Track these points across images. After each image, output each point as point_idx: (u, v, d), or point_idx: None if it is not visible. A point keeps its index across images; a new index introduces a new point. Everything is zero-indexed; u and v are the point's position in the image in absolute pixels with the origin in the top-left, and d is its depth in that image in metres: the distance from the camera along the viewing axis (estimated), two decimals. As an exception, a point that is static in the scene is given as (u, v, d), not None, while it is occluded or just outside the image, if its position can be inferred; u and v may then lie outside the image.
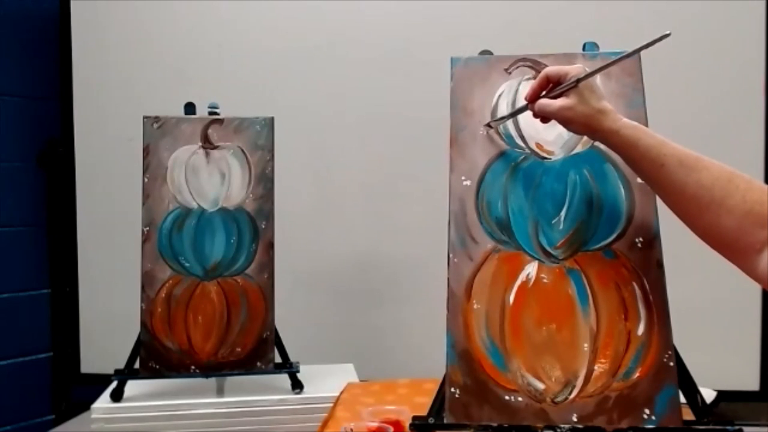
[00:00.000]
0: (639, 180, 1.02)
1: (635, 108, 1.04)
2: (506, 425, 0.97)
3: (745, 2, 1.74)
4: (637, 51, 0.91)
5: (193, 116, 1.49)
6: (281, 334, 1.46)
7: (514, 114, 1.05)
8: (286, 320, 1.49)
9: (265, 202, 1.47)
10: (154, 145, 1.47)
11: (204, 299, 1.44)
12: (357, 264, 1.89)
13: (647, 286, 0.99)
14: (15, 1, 1.99)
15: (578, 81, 0.93)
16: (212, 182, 1.47)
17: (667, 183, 0.88)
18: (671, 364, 0.96)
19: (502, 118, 1.06)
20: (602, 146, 1.01)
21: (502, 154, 1.07)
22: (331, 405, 1.35)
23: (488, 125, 1.08)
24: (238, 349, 1.43)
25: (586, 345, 0.98)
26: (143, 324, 1.42)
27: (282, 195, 1.50)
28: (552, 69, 0.97)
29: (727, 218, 0.83)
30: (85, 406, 1.44)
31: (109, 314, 1.92)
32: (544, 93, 0.98)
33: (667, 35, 0.85)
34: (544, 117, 0.98)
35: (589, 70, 0.94)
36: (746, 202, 0.82)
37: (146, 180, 1.46)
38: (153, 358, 1.41)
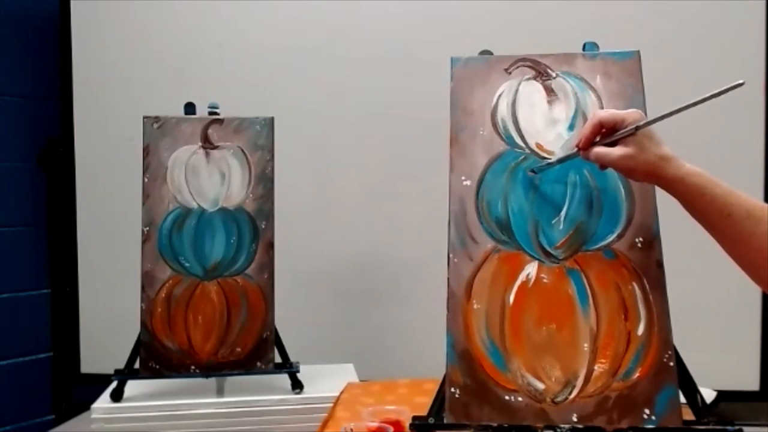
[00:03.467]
0: (639, 180, 1.02)
1: (635, 108, 1.03)
2: (506, 425, 0.97)
3: (745, 2, 1.74)
4: (709, 98, 0.85)
5: (193, 116, 1.49)
6: (281, 334, 1.46)
7: (564, 160, 1.01)
8: (286, 320, 1.49)
9: (265, 202, 1.47)
10: (154, 145, 1.47)
11: (204, 299, 1.44)
12: (357, 264, 1.89)
13: (647, 286, 0.99)
14: (15, 1, 1.99)
15: (638, 128, 0.89)
16: (212, 182, 1.47)
17: (734, 233, 0.86)
18: (671, 364, 0.96)
19: (550, 163, 1.02)
20: (602, 146, 1.01)
21: (502, 154, 1.07)
22: (331, 405, 1.36)
23: (533, 171, 1.04)
24: (238, 349, 1.43)
25: (586, 345, 0.98)
26: (143, 324, 1.42)
27: (282, 195, 1.50)
28: (606, 115, 0.92)
29: None
30: (85, 406, 1.44)
31: (109, 314, 1.92)
32: (597, 139, 0.93)
33: (740, 84, 0.81)
34: (602, 165, 0.94)
35: (645, 117, 0.90)
36: None
37: (146, 180, 1.46)
38: (153, 358, 1.41)
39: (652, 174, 0.90)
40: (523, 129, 1.07)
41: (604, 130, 0.93)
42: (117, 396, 1.40)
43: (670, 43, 1.74)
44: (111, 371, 1.42)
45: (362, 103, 1.89)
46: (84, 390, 1.70)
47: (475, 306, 1.01)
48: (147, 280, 1.43)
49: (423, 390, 1.34)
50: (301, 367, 1.46)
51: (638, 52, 1.08)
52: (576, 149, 0.97)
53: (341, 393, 1.40)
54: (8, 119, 1.97)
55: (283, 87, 1.89)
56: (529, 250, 1.03)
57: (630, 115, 0.91)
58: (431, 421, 0.99)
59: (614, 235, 1.02)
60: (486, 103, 1.09)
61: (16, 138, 1.99)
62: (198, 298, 1.44)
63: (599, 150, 0.92)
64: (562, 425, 0.96)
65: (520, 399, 0.98)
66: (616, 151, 0.90)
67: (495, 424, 0.97)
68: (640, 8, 1.76)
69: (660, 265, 0.99)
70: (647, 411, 0.95)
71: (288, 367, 1.45)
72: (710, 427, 0.95)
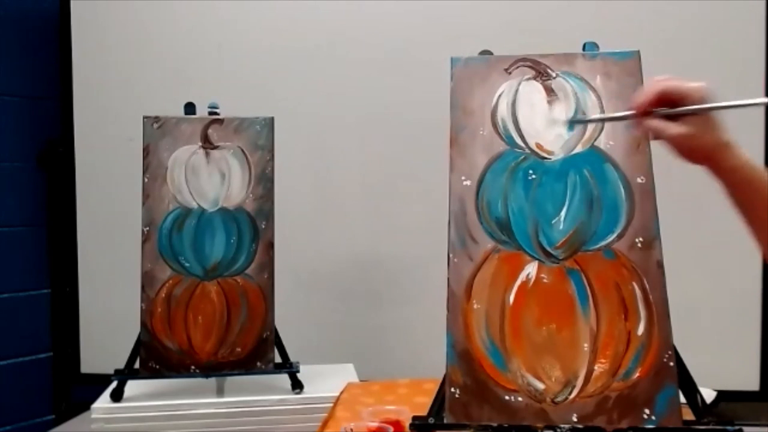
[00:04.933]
0: (639, 180, 1.02)
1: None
2: (506, 425, 0.97)
3: (745, 2, 1.74)
4: (733, 106, 0.84)
5: (193, 116, 1.49)
6: (281, 334, 1.46)
7: (611, 119, 0.97)
8: (286, 320, 1.49)
9: (265, 202, 1.47)
10: (154, 145, 1.47)
11: (204, 299, 1.44)
12: (357, 264, 1.89)
13: (647, 286, 0.99)
14: (15, 1, 1.99)
15: (710, 109, 0.83)
16: (212, 182, 1.47)
17: None
18: (671, 364, 0.96)
19: (591, 119, 0.99)
20: (602, 146, 1.01)
21: (502, 154, 1.07)
22: (331, 405, 1.35)
23: (572, 121, 1.02)
24: (238, 349, 1.43)
25: (586, 345, 0.98)
26: (143, 324, 1.42)
27: (282, 195, 1.50)
28: (671, 86, 0.84)
29: None
30: (85, 406, 1.44)
31: (109, 314, 1.92)
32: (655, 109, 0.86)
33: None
34: (654, 136, 0.87)
35: (709, 94, 0.84)
36: None
37: (146, 180, 1.46)
38: (153, 358, 1.41)
39: (711, 159, 0.84)
40: (523, 129, 1.07)
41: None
42: (117, 396, 1.40)
43: (670, 43, 1.74)
44: (111, 371, 1.42)
45: (362, 103, 1.89)
46: (84, 390, 1.70)
47: (475, 306, 1.01)
48: (147, 280, 1.43)
49: (423, 390, 1.34)
50: (301, 367, 1.45)
51: (638, 52, 1.08)
52: (631, 112, 0.89)
53: (341, 393, 1.40)
54: (8, 119, 1.97)
55: (283, 87, 1.89)
56: (529, 250, 1.03)
57: (696, 91, 0.84)
58: (431, 421, 0.99)
59: (614, 235, 1.02)
60: (486, 103, 1.09)
61: (16, 138, 1.99)
62: (198, 298, 1.44)
63: (657, 123, 0.85)
64: (562, 425, 0.96)
65: (520, 399, 0.98)
66: (676, 128, 0.84)
67: (495, 424, 0.97)
68: (640, 8, 1.76)
69: (660, 265, 0.99)
70: (647, 411, 0.95)
71: (288, 367, 1.45)
72: (710, 427, 0.95)
